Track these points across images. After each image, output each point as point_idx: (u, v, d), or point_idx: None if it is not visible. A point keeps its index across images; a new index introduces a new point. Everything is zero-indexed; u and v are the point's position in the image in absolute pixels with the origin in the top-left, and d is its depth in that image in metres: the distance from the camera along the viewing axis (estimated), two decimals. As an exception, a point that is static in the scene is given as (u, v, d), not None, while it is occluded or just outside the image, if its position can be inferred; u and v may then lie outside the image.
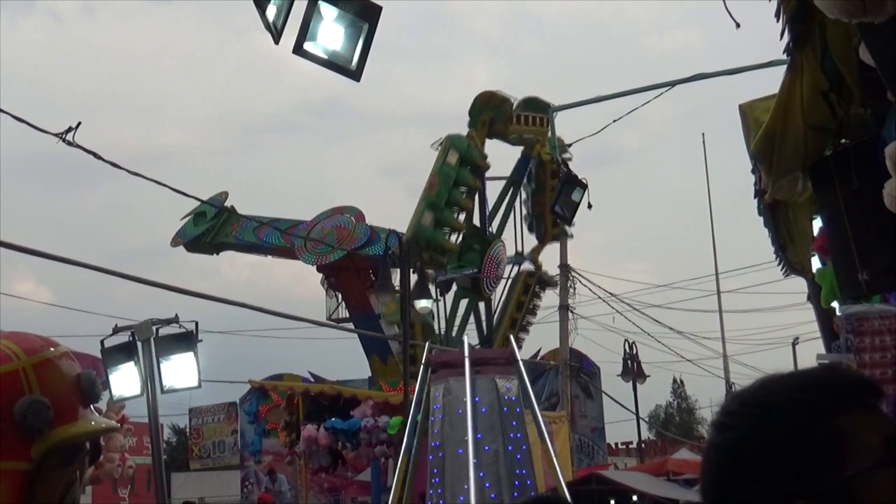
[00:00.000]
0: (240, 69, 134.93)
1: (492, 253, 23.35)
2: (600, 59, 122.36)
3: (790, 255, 7.43)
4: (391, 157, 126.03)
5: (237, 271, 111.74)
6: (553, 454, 10.46)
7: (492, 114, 24.11)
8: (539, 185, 24.59)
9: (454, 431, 9.83)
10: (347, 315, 25.87)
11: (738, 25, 5.41)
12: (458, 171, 22.36)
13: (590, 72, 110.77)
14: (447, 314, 23.71)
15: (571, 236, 25.03)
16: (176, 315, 9.86)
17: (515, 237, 25.34)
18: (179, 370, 9.80)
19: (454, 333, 23.48)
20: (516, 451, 9.82)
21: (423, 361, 11.30)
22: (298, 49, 5.14)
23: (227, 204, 26.30)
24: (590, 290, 25.25)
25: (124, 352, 9.77)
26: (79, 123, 9.10)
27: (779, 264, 7.69)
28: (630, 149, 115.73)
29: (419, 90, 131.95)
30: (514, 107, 24.15)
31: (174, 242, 26.37)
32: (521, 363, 9.97)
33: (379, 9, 5.45)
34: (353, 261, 24.33)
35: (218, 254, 26.76)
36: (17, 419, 1.87)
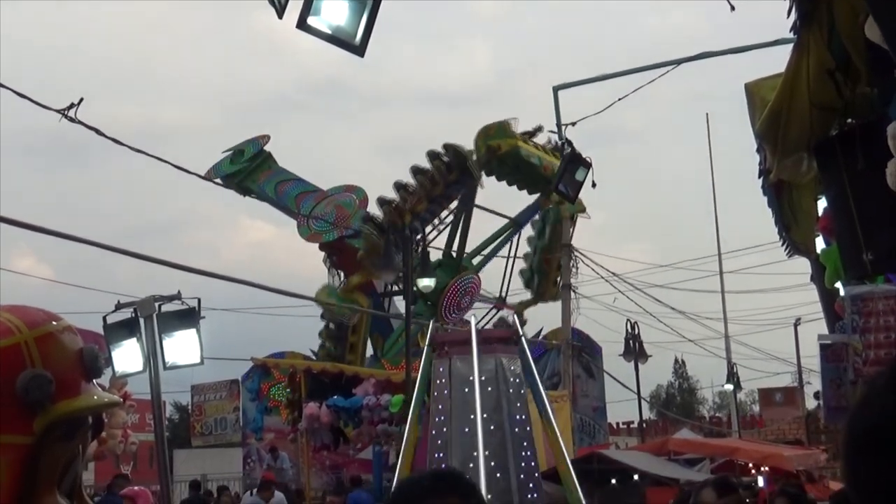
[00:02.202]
0: (240, 47, 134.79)
1: (459, 282, 23.58)
2: (601, 40, 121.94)
3: (794, 236, 7.41)
4: (391, 136, 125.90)
5: (237, 250, 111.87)
6: (558, 433, 10.43)
7: (498, 142, 24.50)
8: (551, 243, 25.06)
9: (458, 410, 9.82)
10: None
11: None
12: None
13: (591, 52, 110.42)
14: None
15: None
16: (178, 292, 9.85)
17: (502, 284, 25.77)
18: (182, 347, 9.79)
19: None
20: (521, 432, 9.81)
21: (427, 340, 11.27)
22: (302, 24, 5.10)
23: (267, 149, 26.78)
24: (592, 269, 25.24)
25: (126, 328, 9.76)
26: (81, 100, 9.08)
27: (782, 244, 7.68)
28: (632, 128, 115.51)
29: (420, 69, 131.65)
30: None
31: (208, 175, 26.72)
32: (525, 341, 9.92)
33: (383, -16, 5.41)
34: (342, 244, 24.54)
35: (245, 196, 27.06)
36: (19, 393, 1.86)
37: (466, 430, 9.64)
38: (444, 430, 9.93)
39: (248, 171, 26.61)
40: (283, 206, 26.31)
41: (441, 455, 9.91)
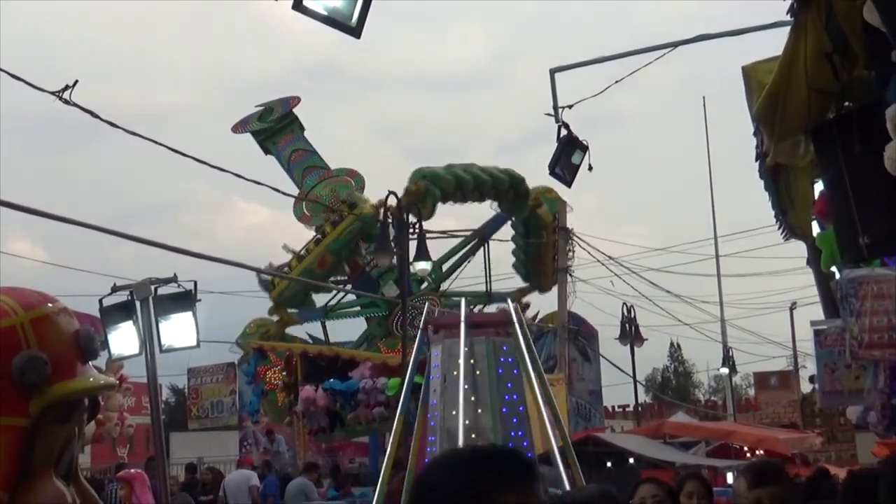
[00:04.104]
0: (235, 29, 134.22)
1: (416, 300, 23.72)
2: (596, 22, 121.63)
3: (790, 219, 7.42)
4: (386, 119, 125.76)
5: (233, 233, 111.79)
6: (562, 418, 10.44)
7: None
8: (540, 245, 25.19)
9: (450, 393, 9.84)
10: (346, 277, 25.98)
11: None
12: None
13: (586, 35, 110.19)
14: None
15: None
16: (175, 274, 9.84)
17: (487, 282, 25.78)
18: (178, 329, 9.78)
19: None
20: (512, 414, 9.82)
21: (421, 324, 11.29)
22: (298, 5, 5.08)
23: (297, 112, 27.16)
24: (588, 253, 25.22)
25: (123, 311, 9.73)
26: (76, 82, 9.03)
27: (779, 228, 7.68)
28: (627, 111, 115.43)
29: (414, 52, 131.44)
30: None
31: (235, 129, 26.91)
32: (518, 326, 9.93)
33: (380, -35, 5.38)
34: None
35: (266, 155, 27.14)
36: (16, 375, 1.86)
37: (454, 412, 9.66)
38: (437, 413, 9.95)
39: (273, 131, 26.76)
40: (291, 177, 26.45)
41: (433, 438, 9.94)
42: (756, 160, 6.98)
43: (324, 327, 25.64)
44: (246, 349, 24.78)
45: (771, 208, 7.49)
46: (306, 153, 26.59)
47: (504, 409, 9.77)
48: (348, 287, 25.25)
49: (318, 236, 24.23)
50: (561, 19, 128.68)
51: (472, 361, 9.82)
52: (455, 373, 9.80)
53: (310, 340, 24.90)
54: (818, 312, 11.05)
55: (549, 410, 10.20)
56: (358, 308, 25.76)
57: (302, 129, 27.14)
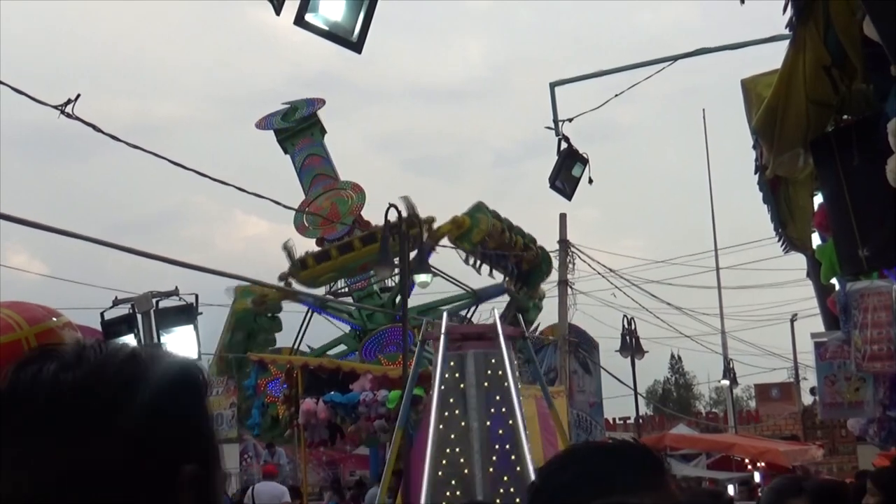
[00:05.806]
0: (234, 41, 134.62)
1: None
2: (595, 34, 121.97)
3: (790, 232, 7.43)
4: (385, 131, 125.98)
5: (232, 244, 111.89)
6: (552, 430, 10.44)
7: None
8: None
9: (437, 407, 9.84)
10: (346, 289, 25.98)
11: None
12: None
13: (584, 47, 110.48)
14: None
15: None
16: (176, 288, 9.85)
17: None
18: (179, 342, 9.79)
19: None
20: (498, 426, 9.77)
21: (419, 337, 11.29)
22: (300, 20, 5.10)
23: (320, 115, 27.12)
24: (589, 265, 25.26)
25: (125, 324, 9.74)
26: (78, 95, 9.04)
27: (779, 240, 7.69)
28: (626, 125, 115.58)
29: (413, 64, 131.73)
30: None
31: (259, 125, 26.90)
32: (502, 339, 9.89)
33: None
34: (321, 244, 24.79)
35: (285, 154, 27.06)
36: (20, 389, 1.87)
37: (441, 426, 9.66)
38: (441, 426, 9.93)
39: (294, 131, 26.61)
40: (300, 181, 26.45)
41: (433, 451, 9.93)
42: (755, 173, 7.00)
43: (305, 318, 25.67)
44: (237, 298, 24.96)
45: (770, 221, 7.51)
46: (320, 159, 26.54)
47: (488, 422, 9.74)
48: (348, 299, 25.27)
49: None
50: (560, 30, 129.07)
51: (456, 375, 9.82)
52: (443, 386, 9.81)
53: (309, 352, 24.92)
54: (819, 324, 11.07)
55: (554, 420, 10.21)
56: (352, 310, 25.60)
57: (322, 133, 26.97)
